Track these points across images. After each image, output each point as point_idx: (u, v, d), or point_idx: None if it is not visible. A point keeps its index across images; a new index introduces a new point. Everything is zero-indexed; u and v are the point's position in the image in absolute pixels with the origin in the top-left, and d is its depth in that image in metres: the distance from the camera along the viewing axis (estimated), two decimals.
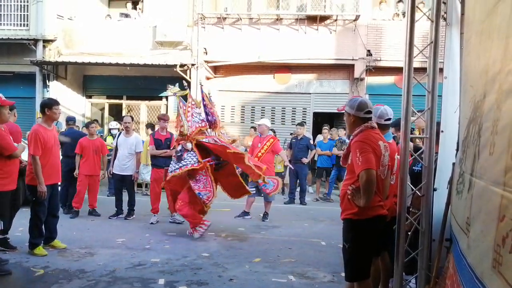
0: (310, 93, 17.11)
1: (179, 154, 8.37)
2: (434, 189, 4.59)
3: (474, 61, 3.17)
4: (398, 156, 4.75)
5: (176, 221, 9.78)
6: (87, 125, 10.64)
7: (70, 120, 11.41)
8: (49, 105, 7.15)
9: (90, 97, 18.90)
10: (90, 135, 10.40)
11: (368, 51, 15.90)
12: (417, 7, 4.55)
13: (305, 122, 14.42)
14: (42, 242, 7.27)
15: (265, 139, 10.42)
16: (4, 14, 17.11)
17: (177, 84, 17.05)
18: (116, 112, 18.49)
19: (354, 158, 4.17)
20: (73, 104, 17.69)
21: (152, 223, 9.71)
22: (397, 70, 15.56)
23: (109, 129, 15.17)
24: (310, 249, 7.96)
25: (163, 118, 10.24)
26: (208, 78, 17.17)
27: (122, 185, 10.38)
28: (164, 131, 10.14)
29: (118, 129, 14.03)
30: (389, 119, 5.03)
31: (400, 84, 15.84)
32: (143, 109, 18.20)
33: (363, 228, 4.20)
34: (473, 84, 3.15)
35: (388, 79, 16.55)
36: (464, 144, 3.39)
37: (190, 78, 16.39)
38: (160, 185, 9.69)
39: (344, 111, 4.53)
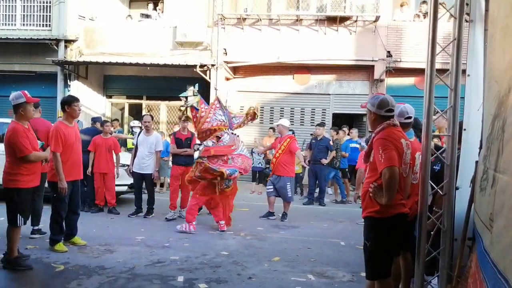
0: (329, 94, 17.08)
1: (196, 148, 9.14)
2: (456, 188, 4.54)
3: (499, 57, 3.14)
4: (420, 155, 4.70)
5: (182, 217, 10.03)
6: (102, 124, 10.75)
7: (93, 119, 11.56)
8: (69, 102, 7.19)
9: (110, 97, 19.09)
10: (104, 133, 10.52)
11: (388, 52, 15.80)
12: (440, 4, 4.51)
13: (324, 123, 14.36)
14: (63, 238, 7.33)
15: (283, 139, 10.44)
16: (27, 15, 17.37)
17: (196, 85, 17.25)
18: (136, 112, 18.61)
19: (376, 155, 4.14)
20: (94, 104, 17.85)
21: (166, 218, 9.94)
22: (417, 72, 15.46)
23: (131, 127, 15.29)
24: (329, 249, 7.93)
25: (184, 119, 10.48)
26: (227, 79, 17.24)
27: (141, 183, 10.43)
28: (185, 131, 10.38)
29: (140, 127, 14.15)
30: (410, 117, 4.99)
31: (420, 85, 15.81)
32: (163, 109, 18.31)
33: (385, 226, 4.17)
34: (498, 79, 3.12)
35: (408, 81, 16.44)
36: (488, 141, 3.36)
37: (209, 78, 16.47)
38: (178, 180, 10.17)
39: (366, 108, 4.50)
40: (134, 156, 10.35)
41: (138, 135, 10.47)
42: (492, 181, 2.99)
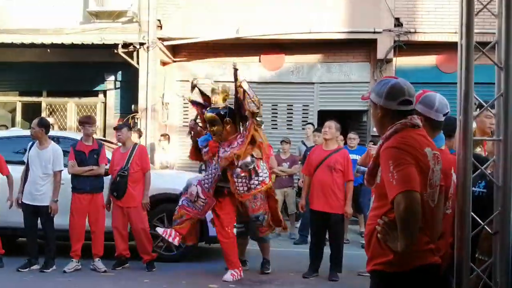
0: (313, 83, 17.22)
1: (253, 166, 9.09)
2: None
3: None
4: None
5: (97, 269, 10.00)
6: None
7: None
8: None
9: None
10: None
11: (397, 19, 15.92)
12: None
13: (313, 124, 14.15)
14: None
15: None
16: None
17: (119, 73, 16.94)
18: (33, 115, 18.14)
19: (385, 174, 3.77)
20: None
21: (65, 271, 9.76)
22: (439, 47, 15.62)
23: None
24: None
25: (87, 121, 10.32)
26: (164, 63, 17.35)
27: (35, 220, 10.02)
28: (90, 140, 10.20)
29: None
30: (447, 113, 4.63)
31: (444, 66, 15.99)
32: (72, 109, 18.29)
33: (405, 287, 3.82)
34: None
35: (427, 60, 16.67)
36: None
37: (137, 63, 16.50)
38: (83, 215, 9.98)
39: (369, 100, 4.18)
40: (24, 181, 10.00)
41: (29, 149, 10.04)
42: None
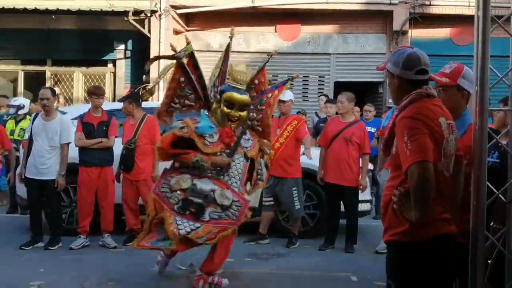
0: (329, 54, 17.29)
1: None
2: None
3: None
4: None
5: (106, 245, 9.95)
6: None
7: None
8: None
9: None
10: None
11: None
12: None
13: (326, 96, 14.22)
14: None
15: (286, 121, 10.34)
16: None
17: (130, 41, 16.98)
18: (36, 85, 18.14)
19: (400, 144, 3.87)
20: None
21: (72, 248, 9.68)
22: (453, 20, 15.62)
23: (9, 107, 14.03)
24: None
25: (95, 92, 10.21)
26: (177, 32, 17.28)
27: (41, 195, 9.93)
28: (98, 112, 10.15)
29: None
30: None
31: (457, 39, 16.17)
32: (78, 80, 18.26)
33: (419, 257, 3.90)
34: None
35: (441, 33, 16.87)
36: None
37: (149, 32, 16.48)
38: (92, 190, 9.88)
39: (385, 71, 4.25)
40: (28, 154, 9.89)
41: (33, 120, 10.07)
42: None
